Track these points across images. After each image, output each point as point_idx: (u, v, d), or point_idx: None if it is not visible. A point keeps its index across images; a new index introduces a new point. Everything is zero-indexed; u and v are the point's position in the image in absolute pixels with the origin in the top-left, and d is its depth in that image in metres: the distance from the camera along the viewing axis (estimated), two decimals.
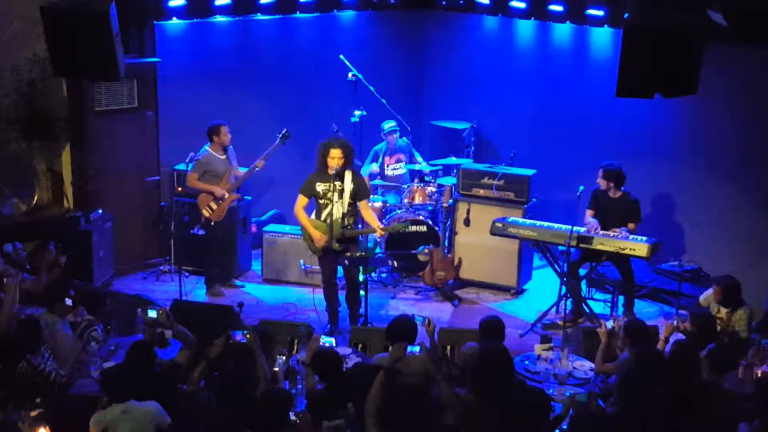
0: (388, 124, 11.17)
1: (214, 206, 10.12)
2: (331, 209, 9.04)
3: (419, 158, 11.33)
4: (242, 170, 10.29)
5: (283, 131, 10.15)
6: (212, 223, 10.16)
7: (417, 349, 6.52)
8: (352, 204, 9.08)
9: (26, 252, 8.87)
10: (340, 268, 9.44)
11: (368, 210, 9.23)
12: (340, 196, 9.02)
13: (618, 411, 6.17)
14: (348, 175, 9.04)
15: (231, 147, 10.25)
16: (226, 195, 10.12)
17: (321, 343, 7.05)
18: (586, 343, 8.12)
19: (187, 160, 10.21)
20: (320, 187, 9.07)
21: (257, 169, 10.22)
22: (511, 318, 9.78)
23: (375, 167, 11.22)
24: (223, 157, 10.15)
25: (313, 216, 9.22)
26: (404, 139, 11.38)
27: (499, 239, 10.10)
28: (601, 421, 6.04)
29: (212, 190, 10.07)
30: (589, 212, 9.68)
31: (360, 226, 9.42)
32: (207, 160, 10.10)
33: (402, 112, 11.43)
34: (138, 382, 6.25)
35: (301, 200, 9.19)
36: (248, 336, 6.84)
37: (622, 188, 9.55)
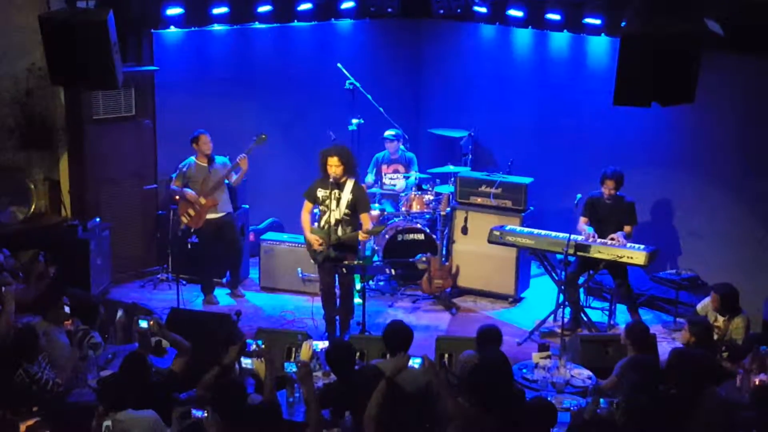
0: (388, 132, 11.19)
1: (192, 213, 10.15)
2: (328, 216, 9.07)
3: (413, 170, 11.30)
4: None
5: (262, 135, 10.10)
6: (192, 230, 10.19)
7: (419, 360, 6.53)
8: (350, 214, 9.07)
9: (15, 260, 8.85)
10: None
11: (367, 221, 9.22)
12: (337, 205, 9.03)
13: (616, 418, 6.17)
14: (349, 185, 9.06)
15: (225, 158, 10.27)
16: (202, 201, 10.13)
17: (313, 349, 7.08)
18: (585, 352, 8.11)
19: (184, 169, 10.23)
20: (320, 194, 9.11)
21: (234, 174, 10.19)
22: (508, 326, 9.79)
23: (370, 179, 11.22)
24: (205, 164, 10.17)
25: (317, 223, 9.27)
26: (403, 148, 11.37)
27: (496, 247, 10.11)
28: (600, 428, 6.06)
29: (186, 194, 10.12)
30: (582, 219, 9.68)
31: None
32: (188, 169, 10.20)
33: (400, 121, 11.44)
34: (134, 391, 6.25)
35: (306, 205, 9.27)
36: (263, 347, 6.93)
37: (617, 192, 9.57)
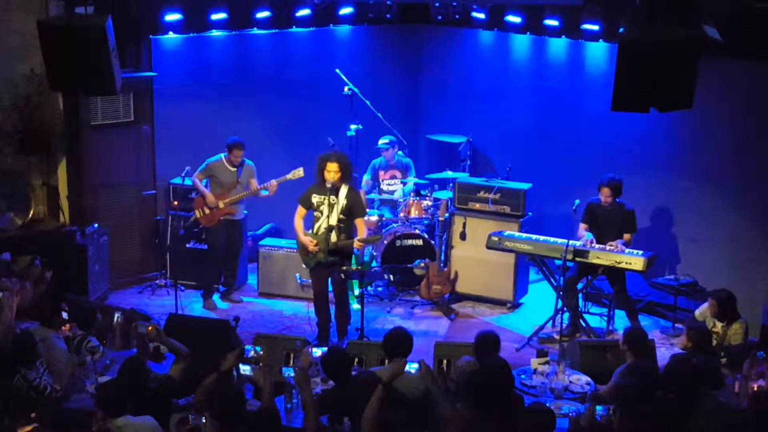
0: (382, 140, 11.20)
1: (207, 210, 10.18)
2: (322, 222, 9.07)
3: (410, 176, 11.31)
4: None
5: (299, 169, 10.13)
6: (201, 226, 10.19)
7: (416, 365, 6.52)
8: (345, 220, 9.07)
9: (13, 266, 8.84)
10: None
11: (362, 227, 9.22)
12: (331, 210, 9.03)
13: (614, 424, 6.17)
14: (344, 190, 9.06)
15: (251, 163, 10.30)
16: (220, 204, 10.13)
17: (311, 355, 7.08)
18: (583, 358, 8.10)
19: (183, 174, 10.24)
20: (315, 199, 9.11)
21: (263, 192, 10.22)
22: (507, 332, 9.79)
23: (366, 178, 11.23)
24: (233, 170, 10.19)
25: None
26: (401, 153, 11.38)
27: (495, 253, 10.11)
28: None
29: (205, 195, 10.13)
30: (582, 226, 9.68)
31: None
32: (216, 165, 10.21)
33: (398, 126, 11.45)
34: (132, 396, 6.24)
35: (299, 210, 9.25)
36: (261, 353, 6.94)
37: (617, 199, 9.57)
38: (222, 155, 10.22)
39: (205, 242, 10.49)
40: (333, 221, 9.05)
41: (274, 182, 10.17)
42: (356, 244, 9.07)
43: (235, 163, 10.18)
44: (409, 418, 6.22)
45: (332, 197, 9.03)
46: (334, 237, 9.04)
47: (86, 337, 7.65)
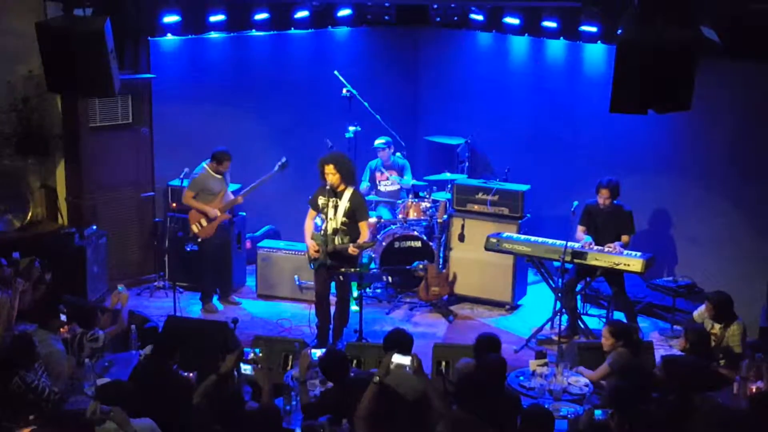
0: (378, 140, 11.21)
1: (204, 223, 10.16)
2: (326, 225, 9.08)
3: (407, 176, 11.32)
4: (232, 187, 10.32)
5: (282, 160, 10.14)
6: (199, 239, 10.20)
7: (408, 359, 6.51)
8: (348, 222, 9.07)
9: (12, 268, 8.84)
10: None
11: (365, 230, 9.20)
12: (335, 213, 9.03)
13: (612, 427, 6.17)
14: (347, 193, 9.06)
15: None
16: (219, 214, 10.14)
17: (310, 357, 7.08)
18: (582, 359, 8.11)
19: (181, 176, 10.24)
20: (320, 201, 9.15)
21: (248, 193, 10.24)
22: (506, 334, 9.79)
23: (365, 185, 11.24)
24: (219, 177, 10.19)
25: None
26: (399, 154, 11.40)
27: (493, 254, 10.11)
28: None
29: (206, 210, 10.12)
30: (581, 228, 9.68)
31: None
32: (203, 179, 10.16)
33: (396, 128, 11.46)
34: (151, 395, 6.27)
35: (310, 213, 9.32)
36: (260, 355, 6.98)
37: (615, 201, 9.58)
38: (204, 164, 10.17)
39: (203, 247, 10.43)
40: (336, 224, 9.05)
41: (243, 193, 10.19)
42: (351, 249, 9.04)
43: (222, 171, 10.16)
44: (410, 419, 6.22)
45: (334, 200, 9.03)
46: (338, 240, 9.05)
47: (87, 331, 7.68)
